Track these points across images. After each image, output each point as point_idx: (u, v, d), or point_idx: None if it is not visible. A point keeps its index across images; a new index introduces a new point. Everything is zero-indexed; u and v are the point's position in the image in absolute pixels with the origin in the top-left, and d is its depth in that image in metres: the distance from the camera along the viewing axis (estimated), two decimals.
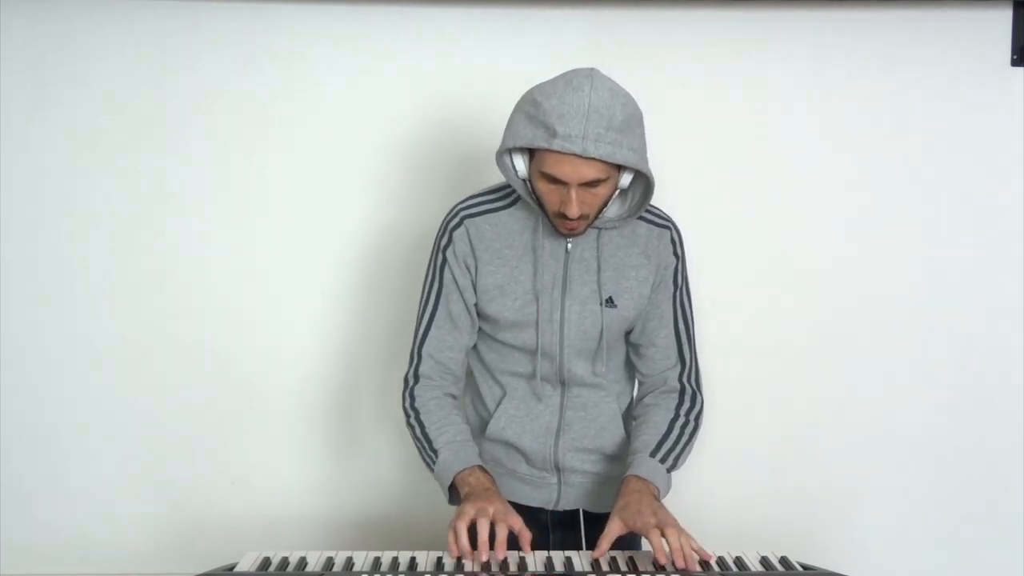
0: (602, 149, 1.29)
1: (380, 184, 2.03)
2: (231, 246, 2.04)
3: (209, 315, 2.05)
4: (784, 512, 2.08)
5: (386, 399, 2.04)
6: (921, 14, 1.98)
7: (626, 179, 1.40)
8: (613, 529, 1.35)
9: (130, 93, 2.00)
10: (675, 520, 1.35)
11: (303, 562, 1.35)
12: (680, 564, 1.28)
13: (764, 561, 1.37)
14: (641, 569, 1.34)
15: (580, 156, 1.30)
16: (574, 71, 1.35)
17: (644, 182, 1.43)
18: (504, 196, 1.51)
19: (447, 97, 2.00)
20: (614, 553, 1.38)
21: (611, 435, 1.56)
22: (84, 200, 2.03)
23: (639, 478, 1.41)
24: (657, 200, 1.47)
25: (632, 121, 1.34)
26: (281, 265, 2.05)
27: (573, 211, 1.35)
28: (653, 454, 1.45)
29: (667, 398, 1.54)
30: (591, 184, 1.34)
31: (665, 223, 1.53)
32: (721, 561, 1.36)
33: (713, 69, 2.00)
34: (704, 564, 1.32)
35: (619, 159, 1.31)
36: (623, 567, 1.34)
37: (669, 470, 1.46)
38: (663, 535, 1.31)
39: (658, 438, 1.48)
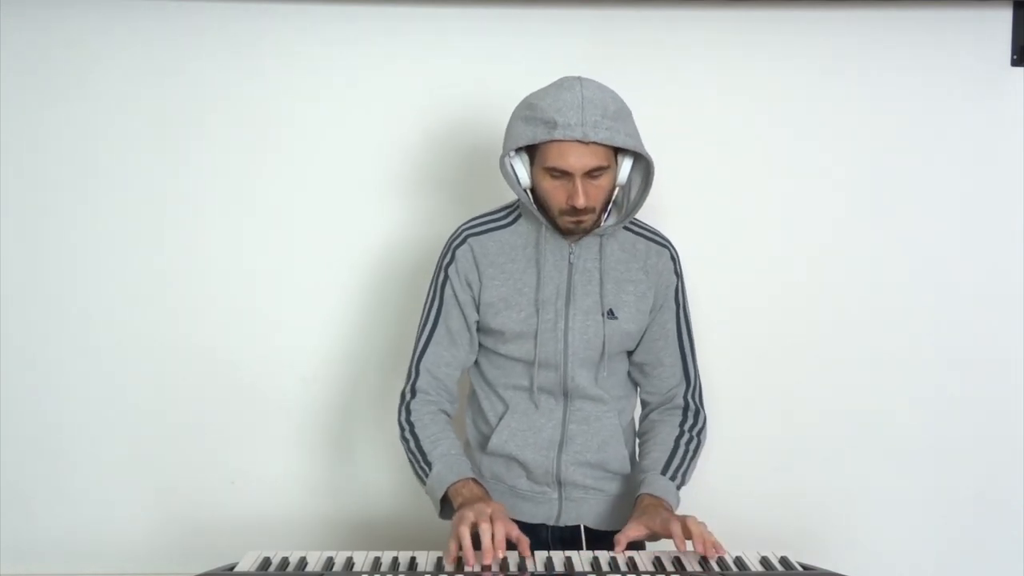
0: (601, 133, 1.36)
1: (385, 191, 2.03)
2: (233, 249, 2.04)
3: (210, 316, 2.05)
4: (784, 512, 2.08)
5: (386, 400, 2.04)
6: (921, 14, 1.98)
7: (624, 172, 1.45)
8: (632, 530, 1.39)
9: (133, 95, 2.00)
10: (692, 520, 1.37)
11: (303, 562, 1.35)
12: (700, 550, 1.32)
13: (764, 561, 1.37)
14: (641, 569, 1.34)
15: (582, 142, 1.36)
16: (562, 78, 1.44)
17: (640, 180, 1.48)
18: (507, 215, 1.56)
19: (456, 106, 2.00)
20: (615, 553, 1.38)
21: (612, 450, 1.57)
22: (85, 201, 2.03)
23: (653, 496, 1.45)
24: (656, 199, 1.49)
25: (624, 112, 1.42)
26: (283, 268, 2.05)
27: (580, 200, 1.39)
28: (664, 472, 1.49)
29: (672, 415, 1.58)
30: (594, 174, 1.39)
31: (664, 243, 1.58)
32: (721, 561, 1.36)
33: (712, 69, 2.00)
34: (703, 563, 1.33)
35: (619, 142, 1.38)
36: (623, 567, 1.34)
37: (678, 487, 1.49)
38: (685, 526, 1.35)
39: (667, 456, 1.51)
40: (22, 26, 1.98)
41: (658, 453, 1.52)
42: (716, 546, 1.33)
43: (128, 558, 2.09)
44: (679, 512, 1.46)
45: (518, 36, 1.98)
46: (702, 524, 1.36)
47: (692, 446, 1.54)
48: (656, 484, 1.47)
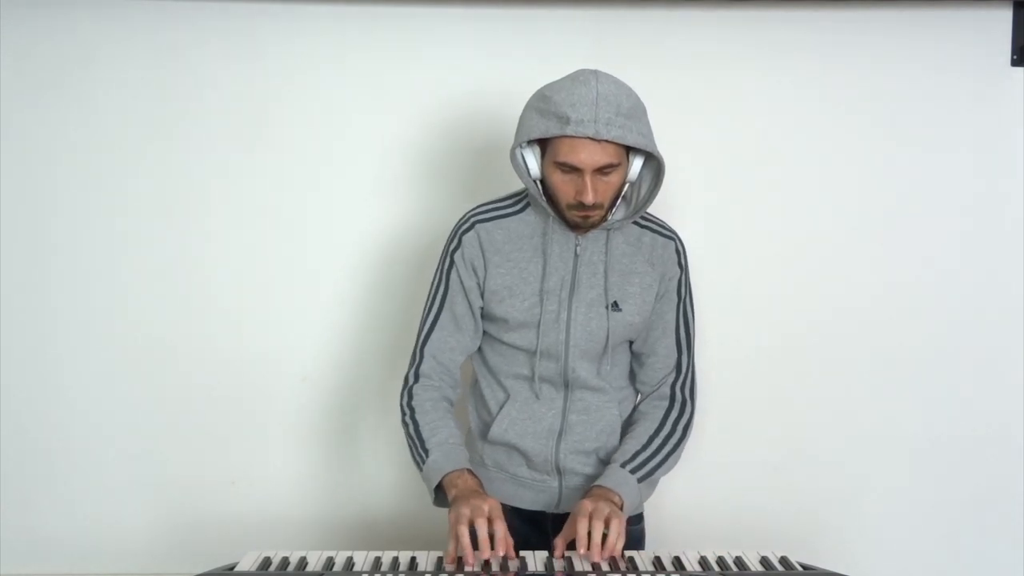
0: (614, 132, 1.36)
1: (386, 188, 2.03)
2: (233, 247, 2.04)
3: (210, 315, 2.05)
4: (784, 512, 2.08)
5: (387, 400, 2.04)
6: (921, 14, 1.98)
7: (634, 170, 1.45)
8: (561, 537, 1.38)
9: (134, 95, 2.00)
10: (614, 514, 1.35)
11: (303, 562, 1.35)
12: (582, 550, 1.31)
13: (764, 561, 1.37)
14: (641, 569, 1.34)
15: (594, 140, 1.36)
16: (579, 71, 1.42)
17: (651, 177, 1.48)
18: (515, 203, 1.56)
19: (458, 101, 2.00)
20: (557, 557, 1.38)
21: (612, 440, 1.57)
22: (85, 200, 2.02)
23: (602, 487, 1.44)
24: (659, 199, 1.49)
25: (638, 110, 1.41)
26: (283, 267, 2.05)
27: (589, 197, 1.39)
28: (625, 464, 1.48)
29: (657, 406, 1.57)
30: (604, 171, 1.39)
31: (670, 235, 1.58)
32: (721, 561, 1.37)
33: (712, 69, 2.00)
34: (703, 563, 1.32)
35: (631, 141, 1.37)
36: (623, 567, 1.34)
37: (642, 479, 1.47)
38: (591, 522, 1.33)
39: (636, 448, 1.50)
40: (22, 26, 1.98)
41: (629, 444, 1.52)
42: (608, 549, 1.32)
43: (128, 558, 2.09)
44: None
45: (520, 34, 1.98)
46: (615, 525, 1.34)
47: (673, 439, 1.53)
48: (610, 476, 1.46)
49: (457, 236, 1.54)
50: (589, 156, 1.37)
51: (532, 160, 1.45)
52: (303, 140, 2.02)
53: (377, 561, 1.35)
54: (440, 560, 1.35)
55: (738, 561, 1.37)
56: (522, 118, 1.45)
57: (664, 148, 1.47)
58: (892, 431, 2.08)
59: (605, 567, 1.32)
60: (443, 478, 1.42)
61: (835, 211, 2.04)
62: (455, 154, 2.01)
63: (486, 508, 1.33)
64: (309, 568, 1.34)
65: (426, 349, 1.55)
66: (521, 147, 1.45)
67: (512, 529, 1.35)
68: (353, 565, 1.34)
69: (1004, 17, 1.98)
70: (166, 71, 2.00)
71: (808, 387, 2.07)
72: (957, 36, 1.99)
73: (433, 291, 1.57)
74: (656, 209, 1.57)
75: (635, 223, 1.55)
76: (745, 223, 2.04)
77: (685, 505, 2.04)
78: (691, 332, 1.59)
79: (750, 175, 2.03)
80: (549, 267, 1.50)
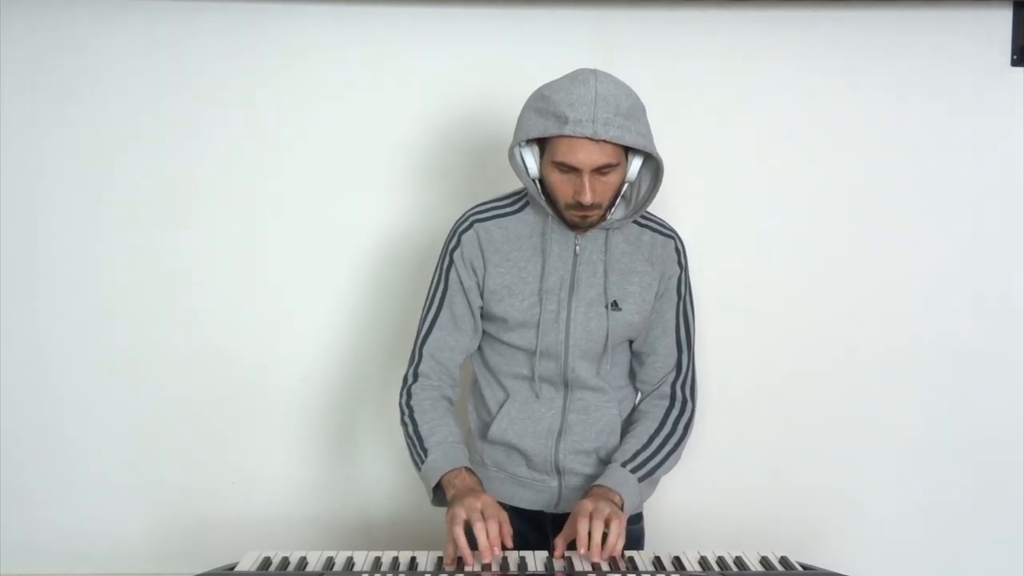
0: (612, 132, 1.35)
1: (386, 188, 2.03)
2: (233, 247, 2.04)
3: (210, 315, 2.05)
4: (784, 512, 2.08)
5: (387, 400, 2.04)
6: (921, 14, 1.98)
7: (633, 170, 1.44)
8: (561, 536, 1.38)
9: (133, 94, 2.00)
10: (614, 515, 1.35)
11: (303, 562, 1.35)
12: (582, 550, 1.31)
13: (764, 561, 1.37)
14: (641, 569, 1.34)
15: (592, 140, 1.35)
16: (578, 70, 1.42)
17: (650, 177, 1.48)
18: (514, 202, 1.56)
19: (457, 100, 2.00)
20: (556, 557, 1.38)
21: (612, 440, 1.57)
22: (85, 200, 2.03)
23: (603, 487, 1.44)
24: (658, 199, 1.49)
25: (637, 110, 1.40)
26: (283, 266, 2.05)
27: (587, 197, 1.39)
28: (626, 464, 1.48)
29: (657, 405, 1.56)
30: (603, 171, 1.39)
31: (670, 233, 1.57)
32: (721, 561, 1.37)
33: (711, 70, 2.00)
34: (703, 563, 1.32)
35: (629, 141, 1.37)
36: (623, 567, 1.34)
37: (642, 479, 1.47)
38: (591, 522, 1.33)
39: (637, 447, 1.50)
40: (22, 27, 1.98)
41: (630, 444, 1.51)
42: (612, 550, 1.33)
43: (128, 558, 2.09)
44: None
45: (519, 34, 1.98)
46: (615, 525, 1.33)
47: (674, 438, 1.52)
48: (611, 476, 1.46)
49: (456, 235, 1.53)
50: (587, 156, 1.37)
51: (531, 159, 1.45)
52: (303, 140, 2.02)
53: (377, 561, 1.35)
54: (440, 560, 1.35)
55: (738, 561, 1.37)
56: (521, 117, 1.44)
57: (664, 147, 1.47)
58: (892, 431, 2.08)
59: (605, 567, 1.32)
60: (441, 478, 1.42)
61: (835, 211, 2.04)
62: (455, 154, 2.02)
63: (479, 506, 1.33)
64: (309, 568, 1.34)
65: (425, 348, 1.55)
66: (520, 146, 1.45)
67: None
68: (353, 565, 1.34)
69: (1004, 17, 1.98)
70: (166, 71, 2.00)
71: (808, 387, 2.07)
72: (957, 36, 1.99)
73: (432, 290, 1.56)
74: (656, 208, 1.56)
75: (635, 222, 1.55)
76: (745, 222, 2.04)
77: (685, 505, 2.04)
78: (691, 331, 1.59)
79: (750, 174, 2.03)
80: (548, 266, 1.50)
